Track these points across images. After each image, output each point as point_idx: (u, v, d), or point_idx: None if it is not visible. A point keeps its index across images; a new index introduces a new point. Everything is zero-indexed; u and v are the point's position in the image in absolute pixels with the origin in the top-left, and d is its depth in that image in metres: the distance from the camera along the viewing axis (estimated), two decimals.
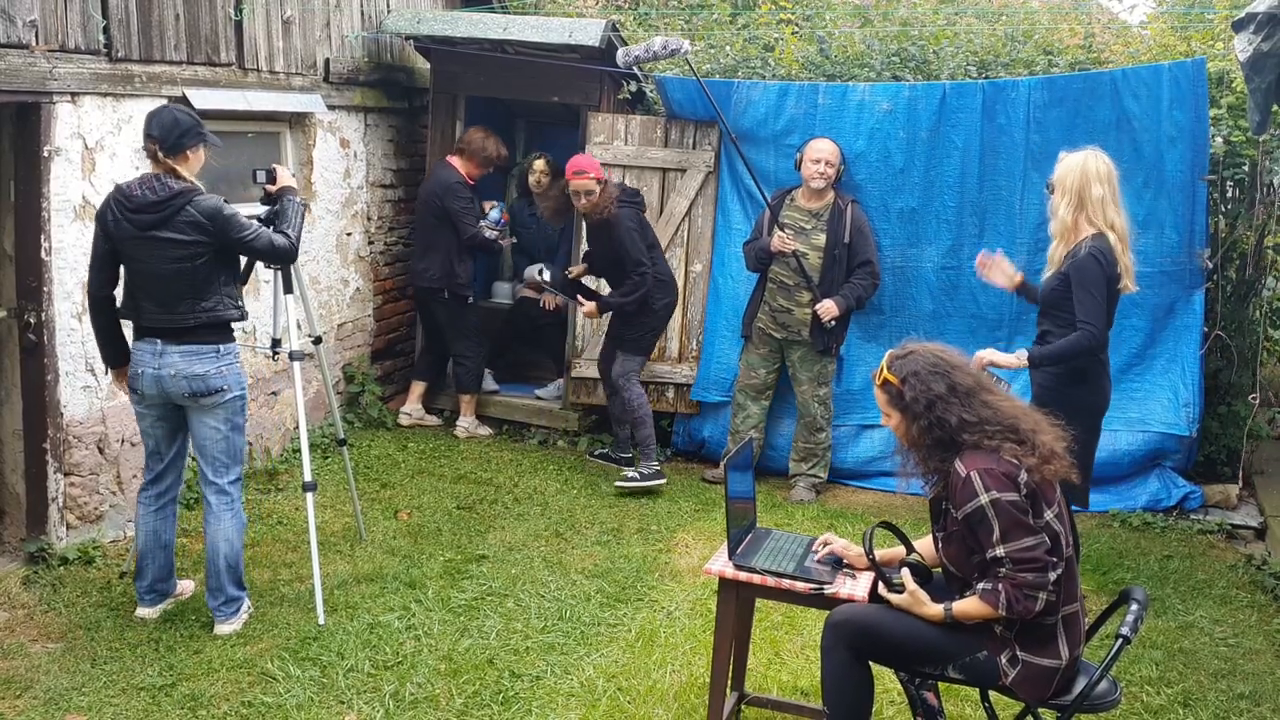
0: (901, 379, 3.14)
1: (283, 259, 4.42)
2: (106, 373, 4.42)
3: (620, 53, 6.15)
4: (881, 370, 3.21)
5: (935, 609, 3.12)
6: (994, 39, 6.92)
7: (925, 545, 3.38)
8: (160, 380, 4.18)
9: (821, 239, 6.09)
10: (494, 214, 7.15)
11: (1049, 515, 3.03)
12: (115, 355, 4.37)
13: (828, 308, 6.01)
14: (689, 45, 6.02)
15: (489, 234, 6.91)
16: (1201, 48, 6.40)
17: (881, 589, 3.25)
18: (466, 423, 7.10)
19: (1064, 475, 3.08)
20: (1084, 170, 4.46)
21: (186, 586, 4.65)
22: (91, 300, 4.31)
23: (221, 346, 4.23)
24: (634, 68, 6.36)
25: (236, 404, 4.28)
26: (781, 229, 6.06)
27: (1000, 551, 2.96)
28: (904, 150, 6.20)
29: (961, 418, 3.05)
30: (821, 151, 6.04)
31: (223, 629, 4.32)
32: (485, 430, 7.13)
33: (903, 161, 6.22)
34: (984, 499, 2.96)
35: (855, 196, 6.22)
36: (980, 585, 3.04)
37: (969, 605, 3.06)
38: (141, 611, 4.42)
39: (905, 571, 3.21)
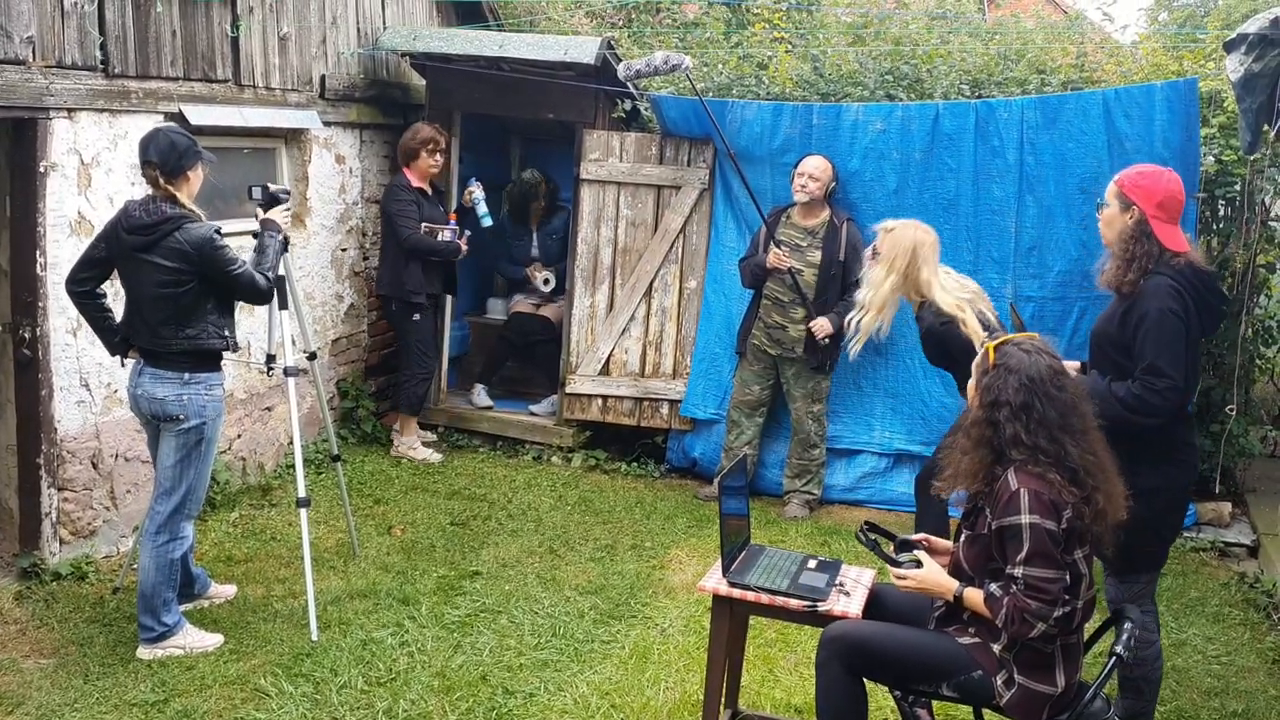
0: (997, 363, 3.11)
1: (257, 301, 4.38)
2: (124, 364, 4.40)
3: (621, 66, 6.19)
4: (998, 341, 3.17)
5: (951, 583, 3.14)
6: (987, 58, 6.95)
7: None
8: (136, 399, 4.25)
9: (817, 256, 6.11)
10: (478, 193, 6.85)
11: (1078, 554, 3.03)
12: (112, 345, 4.35)
13: (822, 325, 6.03)
14: (690, 61, 6.04)
15: (445, 236, 6.60)
16: (1193, 67, 6.44)
17: (893, 576, 3.24)
18: (404, 442, 6.79)
19: (1102, 538, 3.05)
20: None
21: (224, 591, 4.74)
22: (68, 292, 4.29)
23: (189, 375, 4.18)
24: (631, 84, 6.38)
25: (191, 436, 4.21)
26: (777, 246, 6.08)
27: (1019, 572, 2.96)
28: (898, 171, 6.21)
29: (1017, 435, 3.01)
30: (805, 166, 6.06)
31: (139, 651, 4.26)
32: (425, 454, 6.76)
33: (896, 182, 6.23)
34: (1024, 519, 2.94)
35: (851, 215, 6.24)
36: (991, 587, 3.05)
37: (976, 598, 3.07)
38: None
39: (919, 552, 3.24)
